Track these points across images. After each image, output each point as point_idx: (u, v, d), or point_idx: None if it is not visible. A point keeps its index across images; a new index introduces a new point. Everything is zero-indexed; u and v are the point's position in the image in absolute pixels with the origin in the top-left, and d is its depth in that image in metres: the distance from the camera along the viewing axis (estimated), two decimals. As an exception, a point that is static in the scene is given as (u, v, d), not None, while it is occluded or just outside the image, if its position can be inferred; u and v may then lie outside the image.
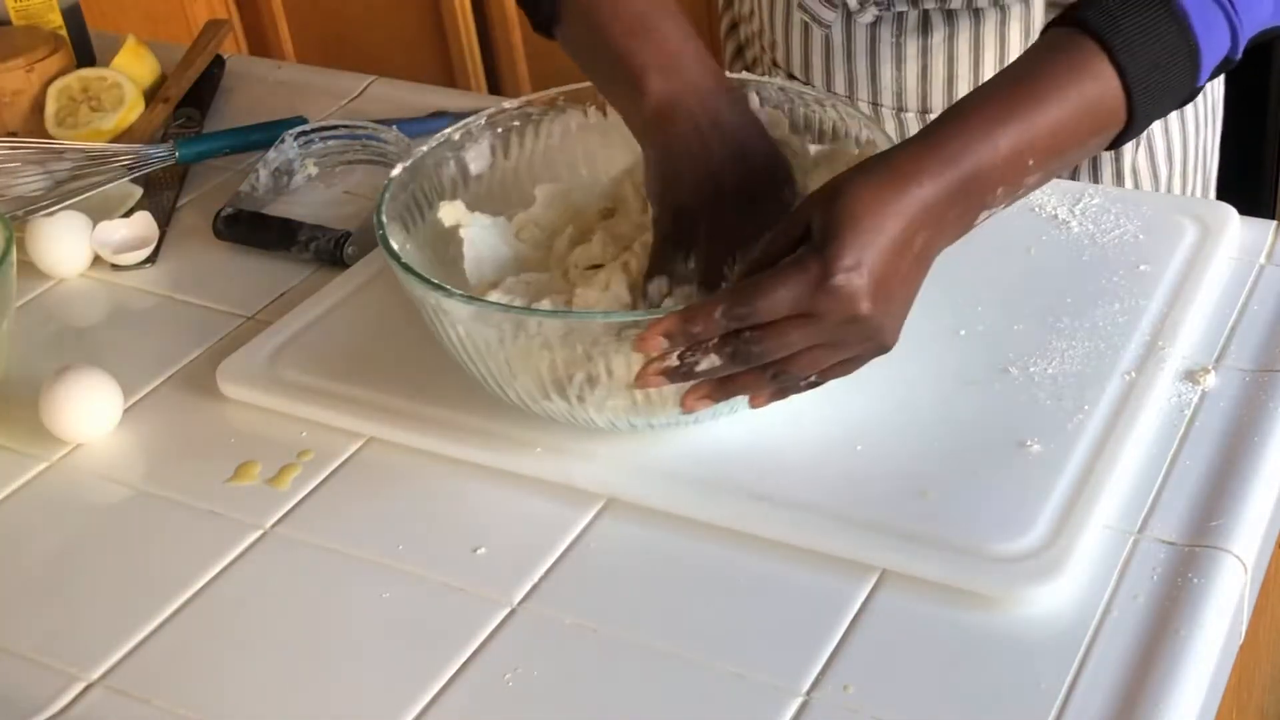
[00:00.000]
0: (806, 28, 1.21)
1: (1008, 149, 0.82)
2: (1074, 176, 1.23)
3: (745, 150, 0.93)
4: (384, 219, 0.94)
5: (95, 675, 0.82)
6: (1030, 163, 0.83)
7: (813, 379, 0.84)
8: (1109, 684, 0.75)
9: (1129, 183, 1.24)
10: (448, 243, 0.98)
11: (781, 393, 0.84)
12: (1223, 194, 1.30)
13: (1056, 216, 1.08)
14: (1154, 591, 0.80)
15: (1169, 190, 1.26)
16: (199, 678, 0.81)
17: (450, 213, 0.98)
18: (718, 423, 0.91)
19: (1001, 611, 0.80)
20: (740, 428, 0.91)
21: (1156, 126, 1.22)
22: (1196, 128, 1.26)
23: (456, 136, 1.03)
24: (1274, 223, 1.08)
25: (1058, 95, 0.83)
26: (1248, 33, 0.88)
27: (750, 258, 0.85)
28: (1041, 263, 1.04)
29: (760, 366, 0.82)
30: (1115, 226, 1.06)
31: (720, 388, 0.83)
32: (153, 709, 0.79)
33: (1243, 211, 1.09)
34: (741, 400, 0.86)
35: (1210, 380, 0.94)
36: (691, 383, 0.83)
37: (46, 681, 0.81)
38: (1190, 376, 0.94)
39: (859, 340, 0.81)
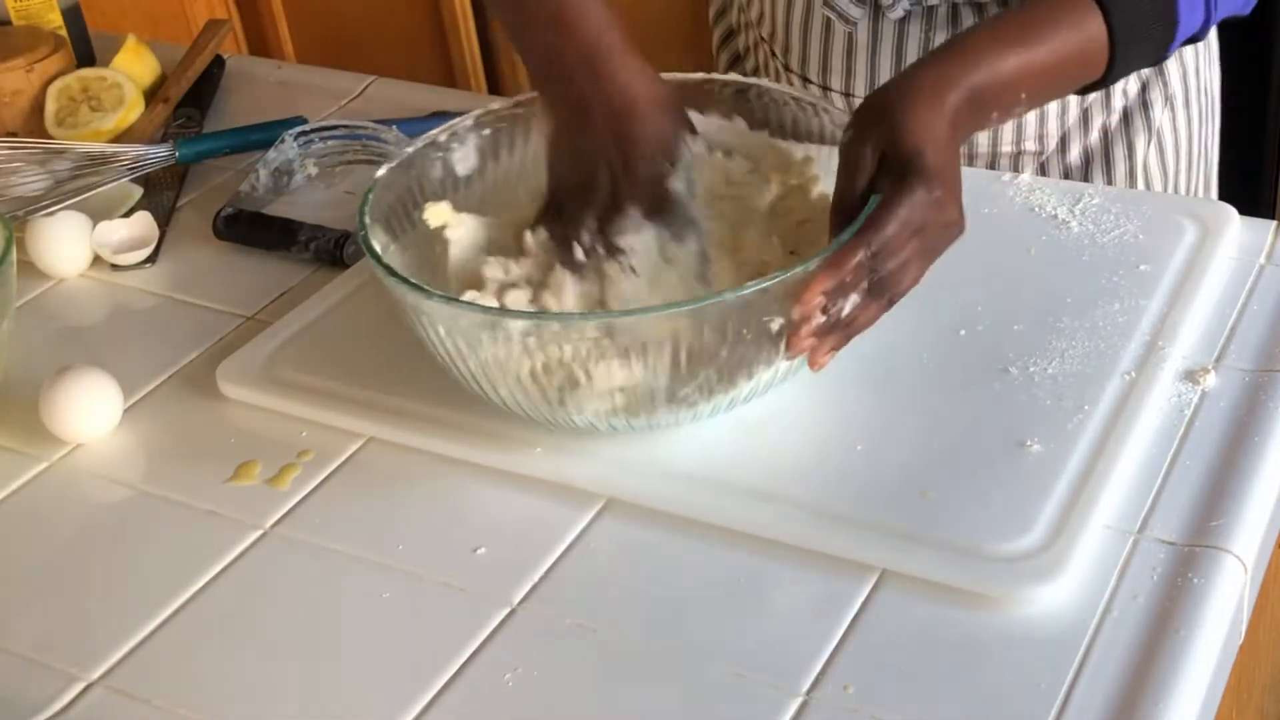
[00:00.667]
0: (828, 27, 1.20)
1: (1007, 77, 0.90)
2: (1087, 175, 1.23)
3: (631, 124, 0.95)
4: (367, 220, 0.93)
5: (95, 675, 0.82)
6: (1023, 95, 0.92)
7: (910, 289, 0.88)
8: (1109, 684, 0.75)
9: (1140, 179, 1.24)
10: (433, 244, 0.98)
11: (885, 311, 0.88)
12: (1223, 194, 1.30)
13: (1056, 216, 1.08)
14: (1154, 591, 0.80)
15: (1175, 185, 1.27)
16: (199, 678, 0.81)
17: (436, 214, 0.97)
18: (718, 423, 0.91)
19: (1001, 611, 0.80)
20: (740, 428, 0.91)
21: (1165, 123, 1.23)
22: (1201, 122, 1.27)
23: (443, 138, 1.02)
24: (1274, 223, 1.08)
25: (1053, 39, 0.92)
26: (1217, 17, 0.98)
27: (834, 198, 0.88)
28: (1041, 263, 1.04)
29: (880, 294, 0.86)
30: (1115, 226, 1.06)
31: (845, 332, 0.86)
32: (153, 709, 0.79)
33: (1243, 211, 1.09)
34: (738, 399, 0.87)
35: (1210, 380, 0.94)
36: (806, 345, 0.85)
37: (46, 681, 0.81)
38: (1190, 376, 0.94)
39: (948, 238, 0.88)
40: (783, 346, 0.84)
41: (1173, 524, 0.84)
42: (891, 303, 0.87)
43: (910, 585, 0.81)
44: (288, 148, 1.24)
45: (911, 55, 1.18)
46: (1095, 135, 1.22)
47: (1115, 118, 1.22)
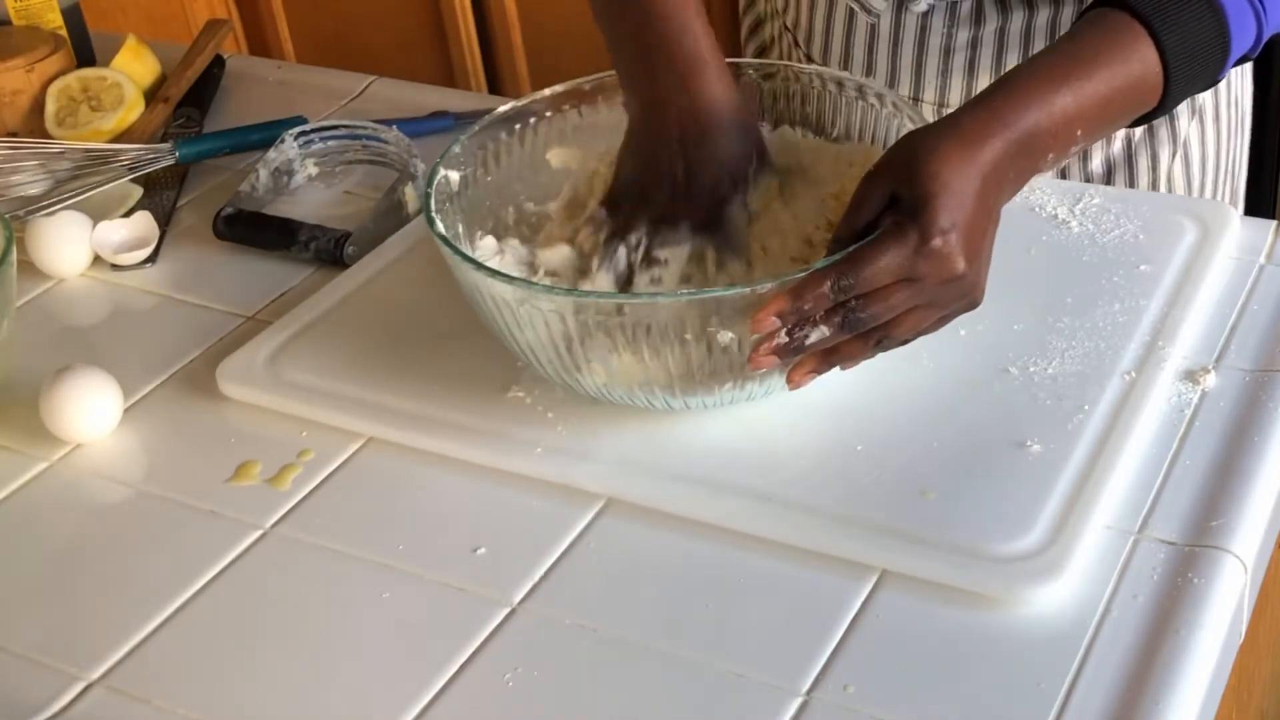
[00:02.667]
0: (851, 18, 1.20)
1: (1061, 117, 0.87)
2: (1109, 185, 1.22)
3: (714, 145, 0.96)
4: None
5: (95, 675, 0.82)
6: (1079, 132, 0.89)
7: (907, 338, 0.87)
8: (1109, 684, 0.75)
9: (1164, 191, 1.23)
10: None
11: (877, 351, 0.87)
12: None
13: (1056, 216, 1.08)
14: (1154, 591, 0.80)
15: (1200, 197, 1.26)
16: (199, 678, 0.81)
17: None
18: (718, 423, 0.91)
19: (1001, 611, 0.80)
20: (740, 428, 0.91)
21: (1193, 134, 1.22)
22: (1229, 135, 1.26)
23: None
24: (1274, 223, 1.08)
25: (1106, 71, 0.89)
26: (1268, 33, 0.94)
27: (836, 230, 0.87)
28: (1041, 263, 1.04)
29: (865, 332, 0.84)
30: (1115, 226, 1.06)
31: (825, 359, 0.86)
32: (153, 709, 0.79)
33: (1243, 211, 1.09)
34: (738, 395, 0.87)
35: (1210, 380, 0.94)
36: (794, 360, 0.85)
37: (46, 681, 0.81)
38: (1190, 376, 0.94)
39: (955, 298, 0.86)
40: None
41: (1173, 524, 0.84)
42: (882, 345, 0.86)
43: (910, 585, 0.81)
44: (288, 148, 1.24)
45: (934, 49, 1.18)
46: (1118, 145, 1.21)
47: (1139, 129, 1.21)
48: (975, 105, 0.87)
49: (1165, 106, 0.92)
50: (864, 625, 0.80)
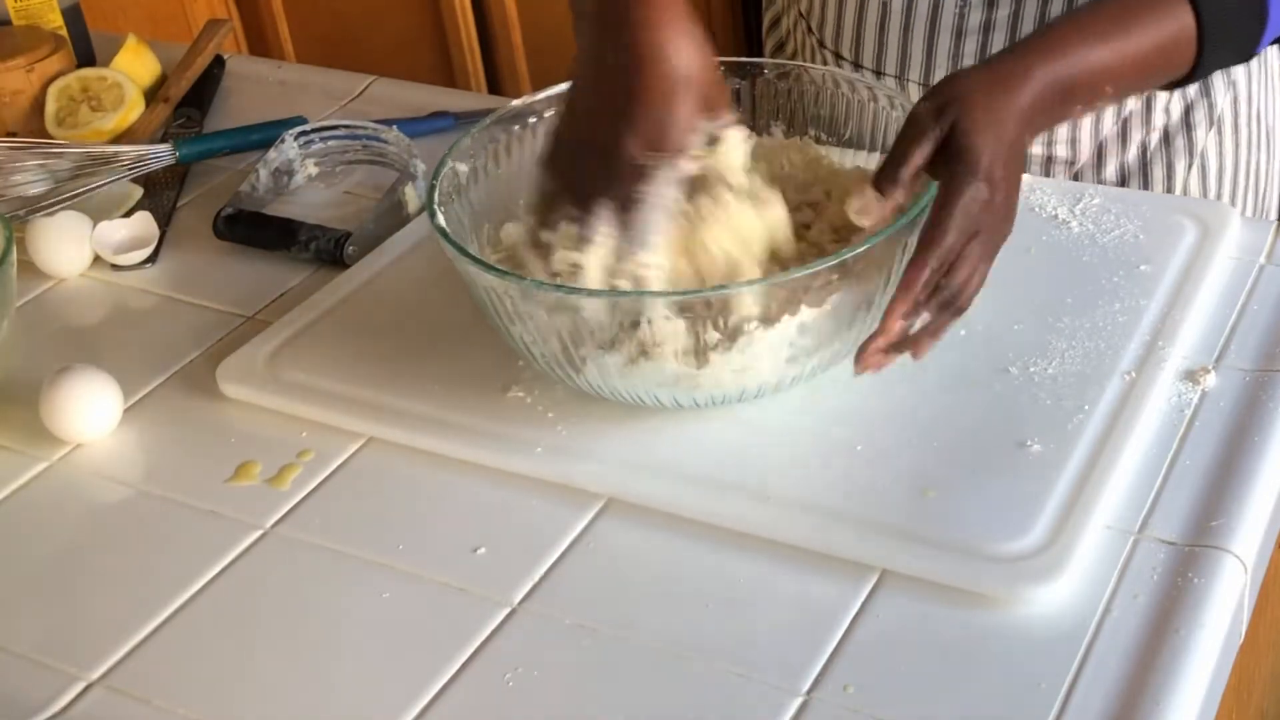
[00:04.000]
0: (863, 2, 1.19)
1: (1094, 71, 0.90)
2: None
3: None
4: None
5: (95, 675, 0.82)
6: (1109, 88, 0.91)
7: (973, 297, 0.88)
8: (1109, 684, 0.75)
9: None
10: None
11: (954, 321, 0.88)
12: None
13: (1056, 216, 1.08)
14: (1154, 591, 0.80)
15: None
16: (199, 678, 0.81)
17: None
18: (718, 423, 0.91)
19: (1001, 611, 0.80)
20: (740, 428, 0.91)
21: (1211, 146, 1.22)
22: (1250, 148, 1.25)
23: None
24: (1274, 223, 1.08)
25: (1141, 30, 0.91)
26: None
27: (883, 171, 0.87)
28: (1041, 263, 1.04)
29: (950, 301, 0.86)
30: (1115, 226, 1.06)
31: (917, 342, 0.86)
32: (153, 709, 0.79)
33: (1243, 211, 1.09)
34: (739, 393, 0.87)
35: (1210, 380, 0.94)
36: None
37: (46, 681, 0.81)
38: (1190, 376, 0.94)
39: (1001, 239, 0.88)
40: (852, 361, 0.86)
41: (1173, 524, 0.84)
42: (960, 313, 0.87)
43: (910, 585, 0.81)
44: (288, 148, 1.24)
45: (945, 32, 1.17)
46: (1133, 152, 1.20)
47: (1155, 136, 1.20)
48: (1014, 51, 0.89)
49: (1197, 73, 0.95)
50: (864, 625, 0.80)
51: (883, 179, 0.87)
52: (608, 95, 0.89)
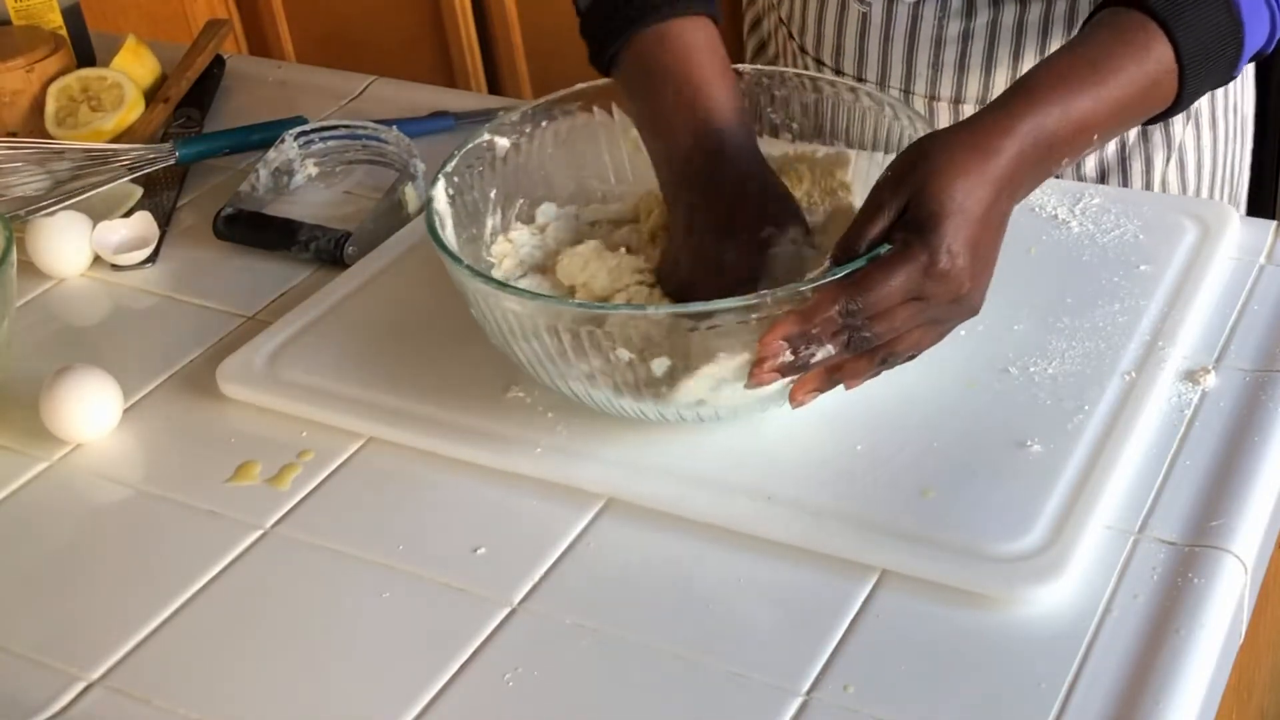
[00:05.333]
0: (843, 8, 1.20)
1: (1078, 122, 0.87)
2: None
3: (749, 191, 0.95)
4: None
5: (95, 675, 0.82)
6: (1095, 136, 0.89)
7: (911, 355, 0.87)
8: (1109, 684, 0.75)
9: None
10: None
11: (881, 370, 0.87)
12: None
13: (1056, 216, 1.08)
14: (1154, 591, 0.80)
15: None
16: (199, 678, 0.81)
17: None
18: (718, 423, 0.91)
19: (1001, 611, 0.80)
20: (740, 428, 0.91)
21: (1189, 139, 1.22)
22: (1227, 141, 1.25)
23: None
24: (1274, 223, 1.08)
25: (1122, 73, 0.88)
26: None
27: (844, 237, 0.84)
28: (1041, 263, 1.04)
29: (869, 351, 0.84)
30: (1115, 226, 1.06)
31: (828, 376, 0.85)
32: (153, 709, 0.79)
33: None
34: (742, 405, 0.87)
35: (1210, 380, 0.94)
36: (795, 378, 0.84)
37: (46, 681, 0.81)
38: (1190, 376, 0.94)
39: (958, 313, 0.86)
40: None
41: (1173, 524, 0.84)
42: (886, 363, 0.85)
43: (910, 585, 0.81)
44: (288, 148, 1.24)
45: (925, 41, 1.17)
46: (1112, 148, 1.21)
47: (1134, 131, 1.21)
48: (992, 111, 0.86)
49: (1180, 105, 0.92)
50: (864, 625, 0.80)
51: (839, 251, 0.84)
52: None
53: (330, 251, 1.13)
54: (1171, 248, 1.03)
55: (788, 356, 0.82)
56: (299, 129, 1.25)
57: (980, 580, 0.80)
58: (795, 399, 0.85)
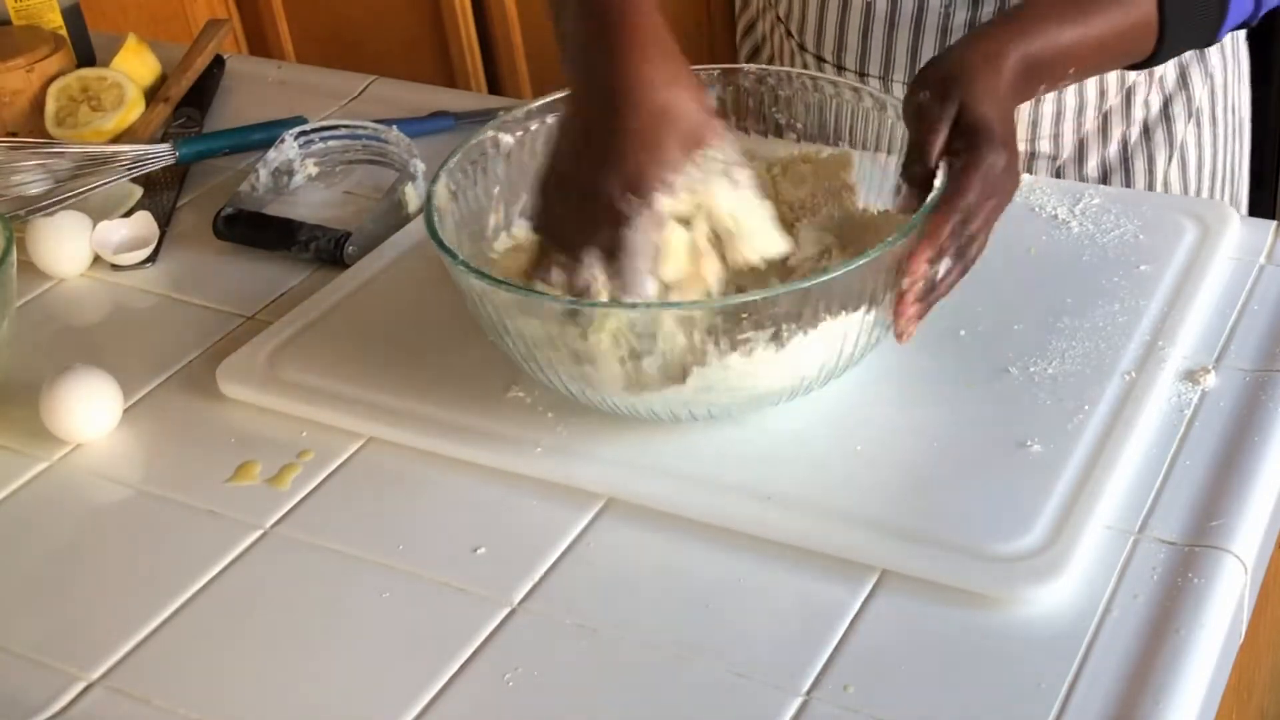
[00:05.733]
0: (845, 4, 1.20)
1: (1058, 52, 0.93)
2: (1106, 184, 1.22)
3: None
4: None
5: (95, 675, 0.82)
6: (1071, 70, 0.95)
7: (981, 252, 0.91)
8: (1109, 684, 0.75)
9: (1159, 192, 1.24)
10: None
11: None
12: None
13: (1056, 216, 1.08)
14: (1154, 591, 0.80)
15: None
16: (199, 678, 0.81)
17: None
18: (718, 423, 0.91)
19: (1001, 611, 0.80)
20: (740, 428, 0.91)
21: (1190, 137, 1.23)
22: (1227, 140, 1.26)
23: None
24: (1274, 223, 1.08)
25: (1106, 14, 0.95)
26: (1268, 5, 1.00)
27: (912, 157, 0.90)
28: (1041, 263, 1.04)
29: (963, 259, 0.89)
30: (1115, 226, 1.06)
31: (930, 299, 0.88)
32: (153, 709, 0.79)
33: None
34: (737, 404, 0.87)
35: (1210, 380, 0.94)
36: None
37: (46, 681, 0.81)
38: (1190, 376, 0.94)
39: (1009, 200, 0.90)
40: (889, 320, 0.88)
41: (1173, 524, 0.84)
42: (967, 269, 0.89)
43: (910, 585, 0.81)
44: (288, 147, 1.24)
45: (931, 31, 1.17)
46: (1114, 147, 1.21)
47: (1136, 130, 1.21)
48: (984, 34, 0.93)
49: (1158, 57, 0.99)
50: (864, 625, 0.80)
51: (912, 171, 0.89)
52: (587, 134, 0.86)
53: (330, 251, 1.13)
54: (1171, 248, 1.03)
55: (919, 287, 0.86)
56: (299, 129, 1.25)
57: (980, 580, 0.80)
58: (908, 329, 0.88)
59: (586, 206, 0.85)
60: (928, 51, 1.18)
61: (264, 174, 1.22)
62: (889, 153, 1.00)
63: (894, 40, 1.18)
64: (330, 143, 1.26)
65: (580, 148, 0.86)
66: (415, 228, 1.14)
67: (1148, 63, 1.00)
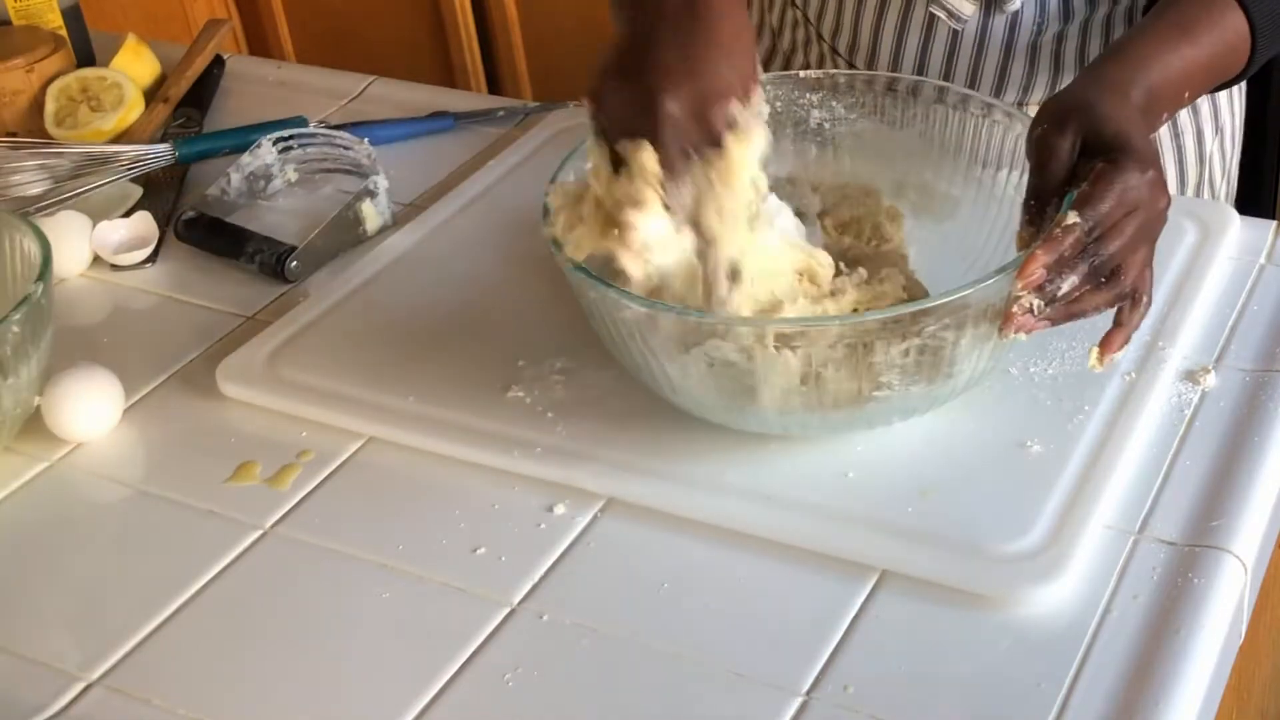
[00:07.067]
0: (929, 27, 1.17)
1: (1175, 77, 0.93)
2: None
3: None
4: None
5: (95, 675, 0.82)
6: (1186, 94, 0.95)
7: (1143, 298, 0.86)
8: (1109, 684, 0.75)
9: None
10: None
11: (1113, 302, 0.86)
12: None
13: (1056, 216, 1.07)
14: (1154, 591, 0.80)
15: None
16: (199, 678, 0.81)
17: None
18: (718, 423, 0.91)
19: (1002, 612, 0.80)
20: (741, 429, 0.91)
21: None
22: (1230, 139, 1.26)
23: None
24: (1274, 223, 1.08)
25: (1207, 38, 0.96)
26: None
27: (1031, 189, 0.87)
28: (1041, 263, 1.03)
29: (1105, 281, 0.84)
30: (1115, 226, 1.06)
31: (1067, 310, 0.84)
32: (153, 709, 0.79)
33: (1243, 212, 1.09)
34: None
35: (1210, 380, 0.94)
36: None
37: (46, 681, 0.81)
38: (1190, 376, 0.94)
39: (1160, 225, 0.86)
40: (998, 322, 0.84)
41: (1173, 524, 0.84)
42: (1122, 297, 0.85)
43: (910, 585, 0.81)
44: (264, 153, 1.22)
45: (1021, 48, 1.16)
46: None
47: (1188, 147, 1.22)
48: (1102, 67, 0.91)
49: (1248, 70, 1.00)
50: (864, 625, 0.80)
51: (1035, 196, 0.86)
52: (659, 40, 0.85)
53: (272, 266, 1.11)
54: (1171, 248, 1.03)
55: (1036, 296, 0.82)
56: (276, 135, 1.23)
57: (980, 580, 0.80)
58: (1027, 329, 0.83)
59: (643, 112, 0.84)
60: (1017, 69, 1.17)
61: (236, 178, 1.21)
62: (1012, 169, 0.99)
63: (982, 61, 1.17)
64: (309, 149, 1.24)
65: (647, 46, 0.85)
66: (416, 227, 1.14)
67: (1239, 78, 1.01)
